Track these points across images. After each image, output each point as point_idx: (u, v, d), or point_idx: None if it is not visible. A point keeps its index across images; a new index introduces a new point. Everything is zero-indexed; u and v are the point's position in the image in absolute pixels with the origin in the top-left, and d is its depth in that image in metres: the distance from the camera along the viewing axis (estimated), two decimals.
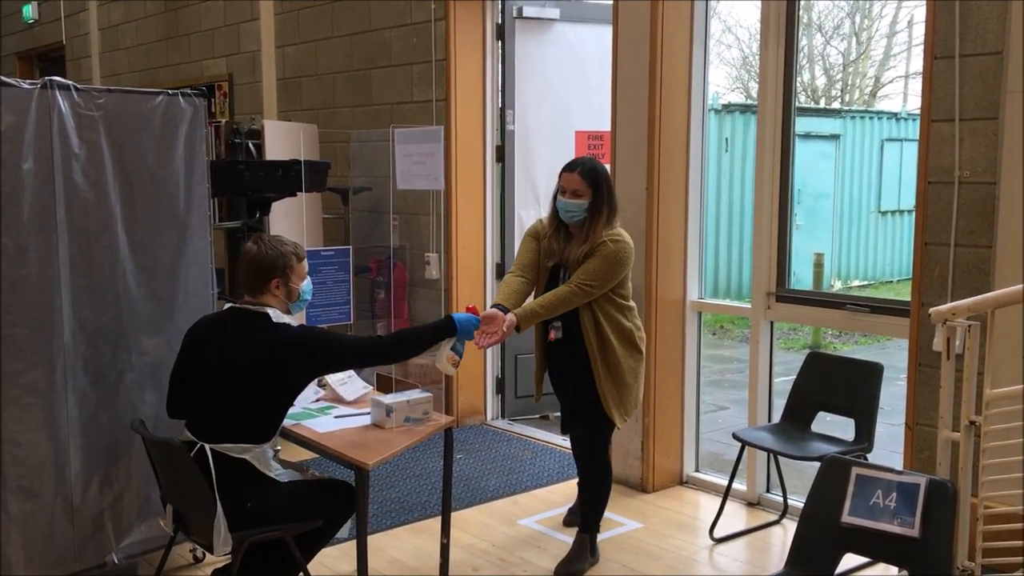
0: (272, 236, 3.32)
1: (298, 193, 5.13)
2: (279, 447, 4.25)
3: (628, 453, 4.81)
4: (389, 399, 3.51)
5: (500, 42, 5.77)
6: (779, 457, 4.27)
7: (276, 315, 3.18)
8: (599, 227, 3.68)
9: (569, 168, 3.75)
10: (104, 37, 9.42)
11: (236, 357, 3.12)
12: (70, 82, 3.41)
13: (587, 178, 3.68)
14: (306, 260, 3.33)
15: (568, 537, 4.21)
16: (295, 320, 3.29)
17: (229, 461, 3.09)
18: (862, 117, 12.95)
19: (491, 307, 3.67)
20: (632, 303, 3.88)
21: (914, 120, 12.71)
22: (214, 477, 3.02)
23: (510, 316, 3.58)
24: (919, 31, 15.31)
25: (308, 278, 3.34)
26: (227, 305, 3.31)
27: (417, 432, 3.48)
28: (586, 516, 3.98)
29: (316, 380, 3.84)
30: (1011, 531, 2.90)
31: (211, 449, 3.07)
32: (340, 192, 6.16)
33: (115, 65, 9.25)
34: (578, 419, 3.92)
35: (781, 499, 4.41)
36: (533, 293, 3.85)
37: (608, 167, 3.94)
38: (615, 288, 3.75)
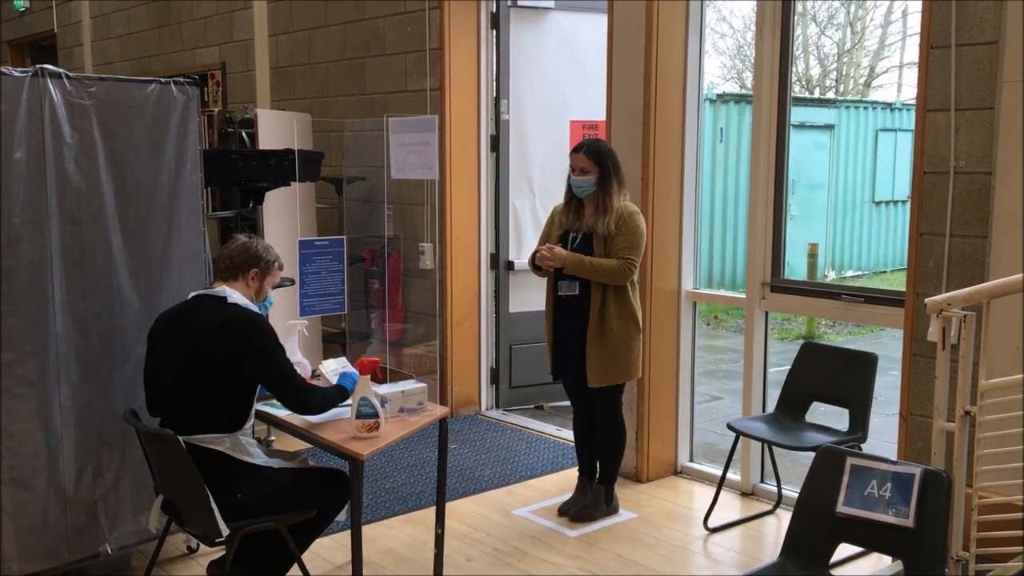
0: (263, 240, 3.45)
1: (292, 183, 5.11)
2: (273, 438, 4.25)
3: None
4: (384, 389, 3.50)
5: (495, 31, 5.75)
6: (773, 447, 4.27)
7: (233, 296, 3.23)
8: (613, 197, 4.09)
9: (575, 150, 4.17)
10: (96, 26, 9.37)
11: (196, 342, 3.15)
12: (61, 70, 3.38)
13: (591, 156, 4.09)
14: (280, 275, 3.46)
15: (563, 527, 4.23)
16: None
17: (207, 453, 3.09)
18: (857, 107, 12.94)
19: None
20: (637, 286, 4.19)
21: (908, 110, 12.71)
22: (191, 459, 3.01)
23: (563, 250, 4.08)
24: (914, 21, 15.34)
25: (273, 292, 3.47)
26: (191, 295, 3.31)
27: (411, 422, 3.47)
28: (603, 468, 4.35)
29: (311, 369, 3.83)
30: (1006, 521, 2.90)
31: (185, 442, 3.05)
32: (334, 182, 6.14)
33: (107, 54, 9.20)
34: (580, 374, 4.16)
35: (775, 489, 4.41)
36: None
37: (611, 148, 4.25)
38: None
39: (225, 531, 3.00)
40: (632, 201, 4.25)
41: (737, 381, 5.43)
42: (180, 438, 3.03)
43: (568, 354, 4.20)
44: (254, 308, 3.27)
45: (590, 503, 4.30)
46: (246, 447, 3.19)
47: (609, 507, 4.32)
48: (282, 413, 3.46)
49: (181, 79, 3.71)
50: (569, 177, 4.16)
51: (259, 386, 3.26)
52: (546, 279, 4.28)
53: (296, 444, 3.73)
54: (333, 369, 3.85)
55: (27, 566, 3.41)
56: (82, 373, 3.50)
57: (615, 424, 4.29)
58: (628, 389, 4.44)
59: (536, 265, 4.20)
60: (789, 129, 4.41)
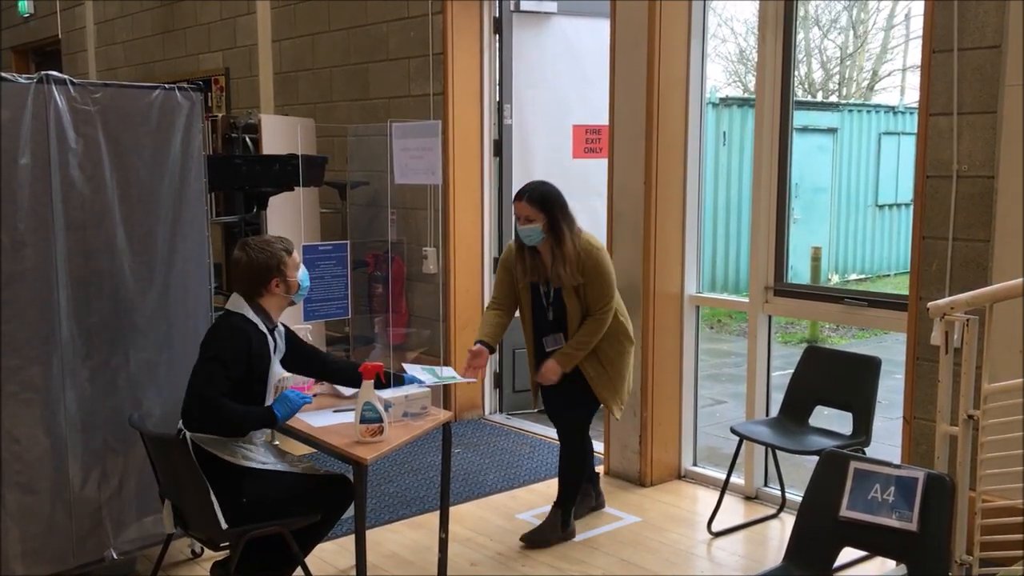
0: (256, 239, 3.38)
1: (295, 188, 5.12)
2: (277, 443, 4.26)
3: (626, 447, 4.81)
4: (387, 394, 3.51)
5: (498, 36, 5.76)
6: (777, 451, 4.27)
7: (235, 304, 3.29)
8: (567, 244, 3.89)
9: (518, 197, 3.97)
10: (100, 31, 9.40)
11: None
12: (66, 77, 3.40)
13: (535, 203, 3.90)
14: (295, 251, 3.41)
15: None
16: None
17: (209, 456, 3.11)
18: (859, 111, 12.94)
19: (476, 343, 3.99)
20: (616, 298, 4.05)
21: (911, 114, 12.71)
22: (196, 463, 3.04)
23: (552, 364, 3.95)
24: (916, 24, 15.33)
25: (302, 266, 3.43)
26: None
27: (415, 427, 3.48)
28: (559, 491, 4.19)
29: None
30: (1009, 525, 2.91)
31: (191, 438, 3.10)
32: (337, 187, 6.15)
33: (111, 59, 9.23)
34: (562, 403, 4.14)
35: (779, 493, 4.41)
36: (519, 312, 4.14)
37: (554, 187, 4.03)
38: None
39: (223, 525, 3.01)
40: (632, 207, 4.23)
41: (740, 385, 5.43)
42: (189, 434, 3.08)
43: (553, 393, 4.14)
44: (255, 320, 3.28)
45: (545, 527, 4.13)
46: (243, 451, 3.19)
47: (565, 532, 4.13)
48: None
49: (185, 85, 3.73)
50: (516, 226, 3.99)
51: (262, 393, 3.27)
52: (522, 324, 4.14)
53: (300, 448, 3.73)
54: None
55: (32, 570, 3.41)
56: (87, 378, 3.51)
57: (574, 443, 4.15)
58: (632, 393, 4.44)
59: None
60: (792, 133, 4.41)
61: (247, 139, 5.87)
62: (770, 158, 4.42)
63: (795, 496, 4.28)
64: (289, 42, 6.89)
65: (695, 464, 4.92)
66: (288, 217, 5.59)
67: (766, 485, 4.60)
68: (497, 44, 5.77)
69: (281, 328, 3.47)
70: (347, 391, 3.79)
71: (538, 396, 4.25)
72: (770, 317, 4.56)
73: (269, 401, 3.28)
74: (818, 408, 4.24)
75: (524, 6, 5.77)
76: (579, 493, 4.32)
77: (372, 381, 3.31)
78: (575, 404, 4.11)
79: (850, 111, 12.77)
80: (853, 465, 2.77)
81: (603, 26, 4.95)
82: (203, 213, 3.79)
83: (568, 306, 3.96)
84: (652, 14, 4.50)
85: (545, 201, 3.90)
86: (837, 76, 16.81)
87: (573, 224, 3.95)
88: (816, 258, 10.54)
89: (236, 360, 3.15)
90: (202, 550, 3.93)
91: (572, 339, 3.97)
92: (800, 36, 15.60)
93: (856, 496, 2.73)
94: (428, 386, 3.62)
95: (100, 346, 3.54)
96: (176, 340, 3.71)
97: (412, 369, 3.67)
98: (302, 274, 3.40)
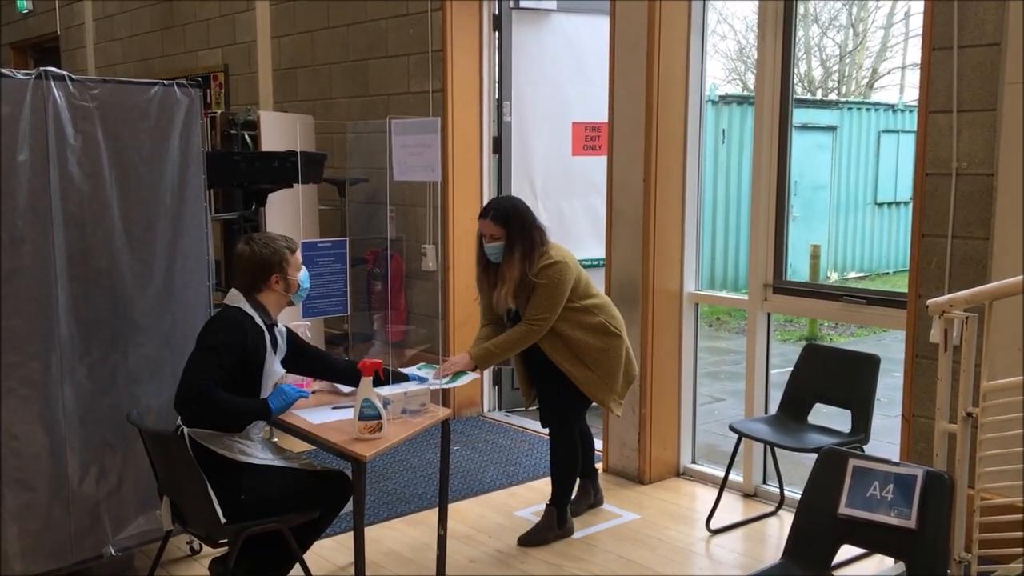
0: (260, 234, 3.41)
1: (294, 184, 5.12)
2: (275, 440, 4.26)
3: (625, 445, 4.81)
4: (386, 391, 3.50)
5: (497, 33, 5.76)
6: (776, 448, 4.28)
7: (232, 298, 3.29)
8: (514, 266, 3.83)
9: (482, 215, 3.95)
10: (99, 28, 9.39)
11: None
12: (65, 72, 3.39)
13: (497, 220, 3.86)
14: (299, 251, 3.42)
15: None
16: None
17: (207, 452, 3.11)
18: (859, 108, 12.94)
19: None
20: (596, 298, 4.02)
21: (911, 111, 12.71)
22: (194, 459, 3.04)
23: (464, 356, 3.92)
24: (916, 22, 15.32)
25: (304, 268, 3.44)
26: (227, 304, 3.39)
27: (414, 424, 3.48)
28: (553, 490, 4.17)
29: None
30: (1008, 522, 2.91)
31: (188, 433, 3.11)
32: (336, 183, 6.15)
33: (110, 56, 9.22)
34: (552, 404, 4.14)
35: (778, 490, 4.41)
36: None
37: (521, 203, 4.00)
38: (569, 299, 3.90)
39: (222, 521, 3.01)
40: (631, 204, 4.20)
41: (739, 383, 5.43)
42: (187, 430, 3.09)
43: (543, 396, 4.16)
44: (252, 314, 3.27)
45: (541, 526, 4.12)
46: (240, 447, 3.19)
47: (562, 530, 4.13)
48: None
49: (184, 81, 3.72)
50: (481, 243, 3.95)
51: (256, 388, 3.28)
52: None
53: (299, 445, 3.73)
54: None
55: (31, 567, 3.41)
56: (85, 374, 3.51)
57: (565, 443, 4.12)
58: (631, 391, 4.44)
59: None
60: (791, 130, 4.41)
61: (246, 136, 5.87)
62: (769, 156, 4.42)
63: (794, 493, 4.29)
64: (288, 39, 6.89)
65: (694, 461, 4.93)
66: (287, 214, 5.59)
67: (765, 482, 4.61)
68: (497, 41, 5.77)
69: (283, 328, 3.47)
70: (346, 388, 3.78)
71: (529, 396, 4.25)
72: (769, 315, 4.56)
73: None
74: (817, 406, 4.24)
75: (524, 3, 5.77)
76: (575, 490, 4.32)
77: (371, 378, 3.31)
78: (564, 405, 4.10)
79: (849, 109, 12.77)
80: (852, 462, 2.77)
81: (603, 23, 4.95)
82: (202, 209, 3.79)
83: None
84: (652, 11, 4.50)
85: (506, 217, 3.86)
86: (836, 74, 16.82)
87: (535, 244, 3.87)
88: (815, 256, 10.55)
89: (231, 350, 3.15)
90: (200, 547, 3.93)
91: (497, 337, 3.94)
92: (800, 34, 15.60)
93: (855, 493, 2.73)
94: (430, 385, 3.63)
95: (99, 342, 3.53)
96: (175, 337, 3.71)
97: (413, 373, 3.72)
98: (303, 275, 3.42)
